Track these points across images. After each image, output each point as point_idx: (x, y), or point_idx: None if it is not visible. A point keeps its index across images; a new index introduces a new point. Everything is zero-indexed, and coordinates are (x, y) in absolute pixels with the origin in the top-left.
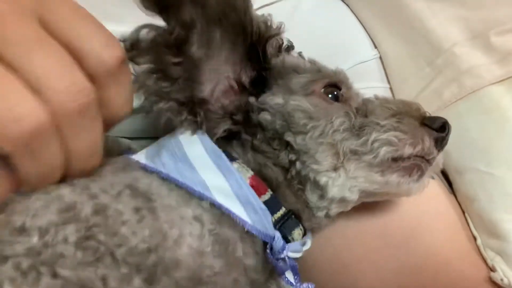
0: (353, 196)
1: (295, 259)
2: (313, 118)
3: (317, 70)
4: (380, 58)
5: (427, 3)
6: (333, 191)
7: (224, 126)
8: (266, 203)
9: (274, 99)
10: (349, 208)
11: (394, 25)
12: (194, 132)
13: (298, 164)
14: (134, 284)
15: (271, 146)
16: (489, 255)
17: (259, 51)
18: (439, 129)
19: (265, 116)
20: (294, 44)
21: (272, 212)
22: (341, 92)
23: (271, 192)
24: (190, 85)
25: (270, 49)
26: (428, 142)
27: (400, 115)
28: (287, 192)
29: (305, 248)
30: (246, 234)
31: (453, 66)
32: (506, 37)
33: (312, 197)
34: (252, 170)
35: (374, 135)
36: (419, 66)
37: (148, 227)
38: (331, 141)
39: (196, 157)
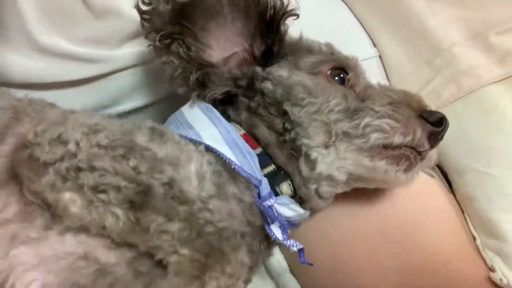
0: (341, 176)
1: (289, 225)
2: (311, 94)
3: (330, 53)
4: (380, 56)
5: (427, 3)
6: (322, 167)
7: (225, 88)
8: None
9: (279, 71)
10: (338, 189)
11: (393, 25)
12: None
13: (292, 134)
14: (164, 176)
15: (268, 111)
16: (488, 255)
17: (273, 27)
18: (435, 123)
19: (267, 85)
20: None
21: (263, 166)
22: (348, 76)
23: (261, 149)
24: (197, 46)
25: (284, 27)
26: (419, 134)
27: (397, 104)
28: (277, 152)
29: (296, 208)
30: (238, 175)
31: (452, 66)
32: (506, 37)
33: (304, 167)
34: (247, 128)
35: (366, 120)
36: (418, 65)
37: (163, 148)
38: (325, 120)
39: (194, 117)
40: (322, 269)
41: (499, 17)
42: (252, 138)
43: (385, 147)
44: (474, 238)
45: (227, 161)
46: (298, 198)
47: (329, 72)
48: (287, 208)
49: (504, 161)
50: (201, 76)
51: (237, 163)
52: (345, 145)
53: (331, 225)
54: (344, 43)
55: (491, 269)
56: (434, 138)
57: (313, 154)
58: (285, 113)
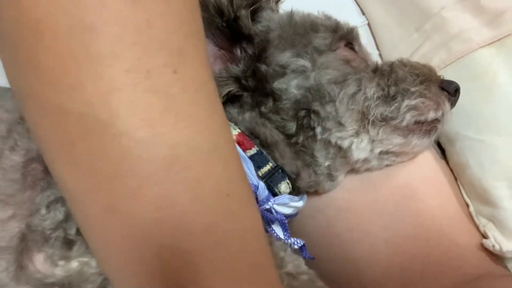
0: (374, 157)
1: (287, 218)
2: (344, 83)
3: (335, 27)
4: (369, 24)
5: None
6: (356, 154)
7: (227, 89)
8: (251, 157)
9: (298, 61)
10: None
11: None
12: None
13: (318, 129)
14: None
15: (281, 116)
16: (481, 221)
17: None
18: (453, 93)
19: (280, 85)
20: None
21: (259, 166)
22: (356, 49)
23: (257, 148)
24: None
25: (263, 13)
26: (447, 107)
27: (427, 82)
28: (286, 150)
29: (295, 204)
30: None
31: (442, 30)
32: None
33: (323, 159)
34: (246, 128)
35: (406, 102)
36: (408, 31)
37: None
38: (361, 108)
39: None
40: (316, 243)
41: None
42: (248, 137)
43: (417, 122)
44: (468, 205)
45: None
46: (296, 190)
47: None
48: (286, 207)
49: (496, 127)
50: None
51: None
52: (379, 128)
53: (326, 200)
54: (331, 12)
55: (484, 236)
56: (451, 105)
57: (345, 143)
58: (305, 115)
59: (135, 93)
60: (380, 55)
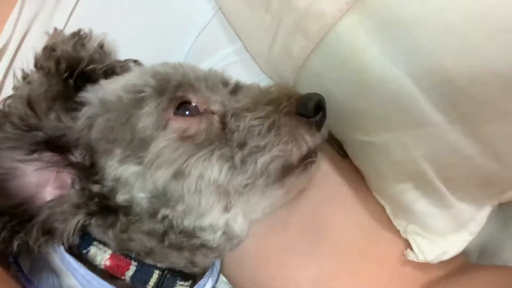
0: (259, 216)
1: None
2: (186, 172)
3: (161, 87)
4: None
5: None
6: (238, 227)
7: (75, 220)
8: (133, 277)
9: (127, 169)
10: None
11: None
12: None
13: (186, 223)
14: None
15: (141, 225)
16: (401, 225)
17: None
18: (315, 113)
19: (123, 197)
20: (125, 46)
21: (145, 281)
22: (194, 104)
23: (136, 264)
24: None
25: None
26: (311, 139)
27: (277, 123)
28: (166, 251)
29: None
30: None
31: (291, 8)
32: None
33: (206, 235)
34: (117, 246)
35: (260, 162)
36: (259, 15)
37: None
38: (214, 189)
39: (56, 265)
40: None
41: None
42: (122, 255)
43: (286, 167)
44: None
45: None
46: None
47: (176, 113)
48: None
49: (381, 122)
50: (41, 225)
51: None
52: (248, 194)
53: (240, 253)
54: (180, 16)
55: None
56: (319, 125)
57: (220, 224)
58: (164, 216)
59: None
60: (245, 46)
